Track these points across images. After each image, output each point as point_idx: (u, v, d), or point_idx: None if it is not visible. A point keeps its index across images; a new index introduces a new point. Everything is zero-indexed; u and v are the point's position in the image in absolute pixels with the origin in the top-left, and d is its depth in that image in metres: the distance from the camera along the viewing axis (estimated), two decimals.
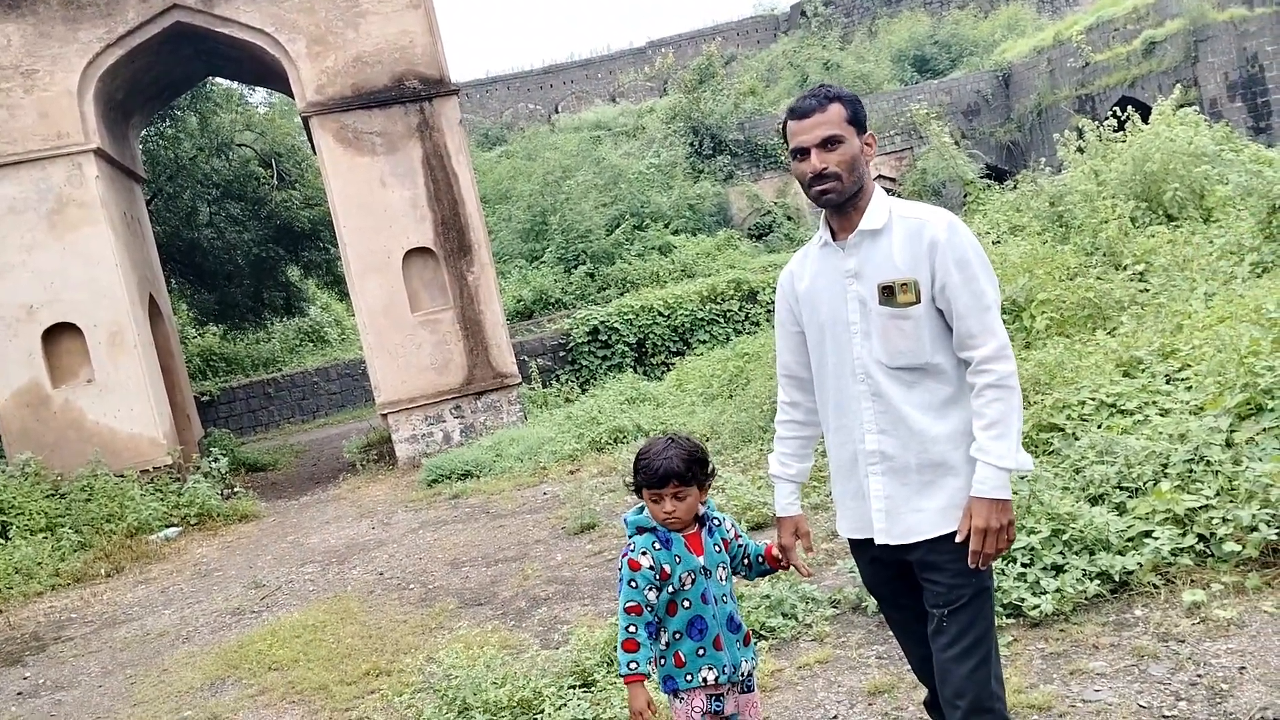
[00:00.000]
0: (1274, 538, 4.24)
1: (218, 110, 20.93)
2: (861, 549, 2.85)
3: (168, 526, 11.52)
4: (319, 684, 5.63)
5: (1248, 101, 20.38)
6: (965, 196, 16.13)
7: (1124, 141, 12.52)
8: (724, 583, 3.02)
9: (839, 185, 2.62)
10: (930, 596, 2.67)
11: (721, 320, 16.84)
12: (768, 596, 5.17)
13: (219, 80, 19.48)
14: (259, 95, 24.17)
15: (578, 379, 16.16)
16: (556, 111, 37.71)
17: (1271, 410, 5.02)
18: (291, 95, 14.59)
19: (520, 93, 39.68)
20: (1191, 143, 11.91)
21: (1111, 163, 12.06)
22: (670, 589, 2.94)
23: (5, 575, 9.66)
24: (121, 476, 12.11)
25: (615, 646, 2.98)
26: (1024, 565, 4.55)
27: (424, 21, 13.69)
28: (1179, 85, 17.08)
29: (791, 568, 3.04)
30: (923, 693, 2.98)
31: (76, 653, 7.40)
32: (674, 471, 2.89)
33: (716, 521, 3.06)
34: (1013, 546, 4.59)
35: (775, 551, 3.05)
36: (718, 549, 3.03)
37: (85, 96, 12.90)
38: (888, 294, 2.60)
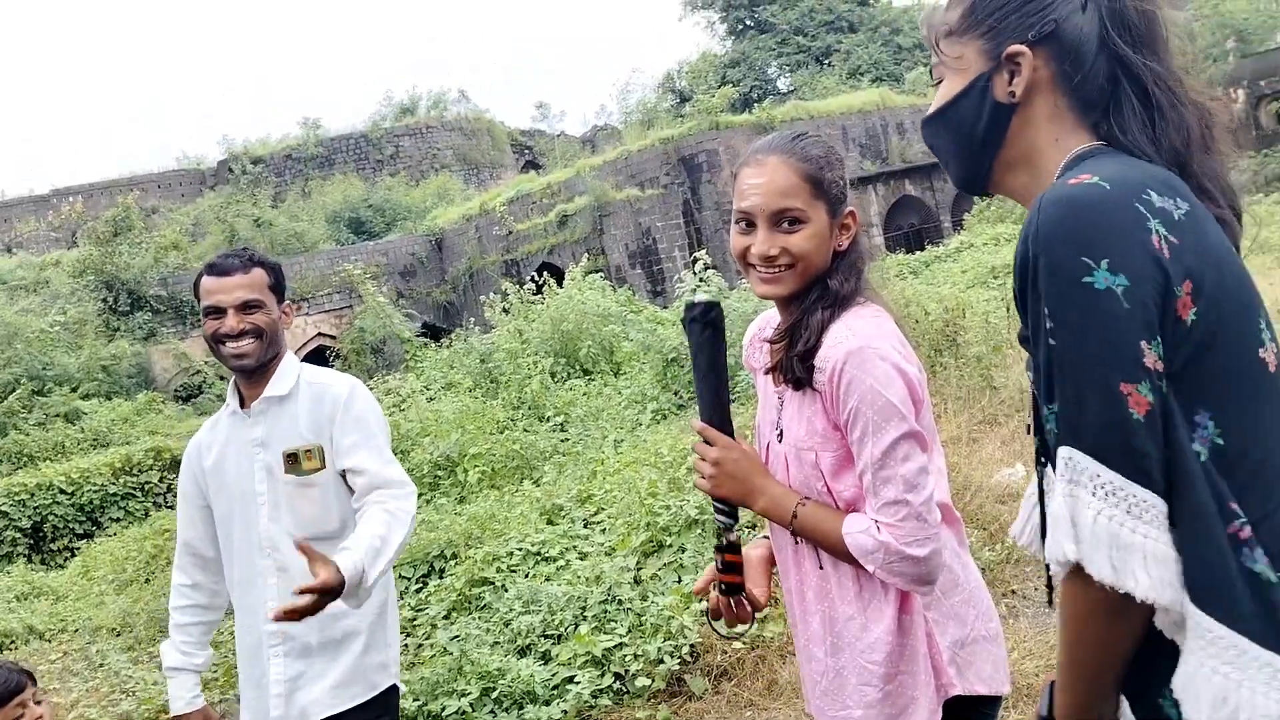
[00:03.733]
0: (677, 668, 4.51)
1: None
2: None
3: None
4: None
5: (646, 269, 23.34)
6: (406, 354, 16.39)
7: (543, 303, 13.59)
8: None
9: (254, 347, 2.53)
10: None
11: (139, 494, 15.13)
12: None
13: None
14: None
15: None
16: None
17: (669, 545, 5.44)
18: None
19: None
20: (599, 305, 13.25)
21: (533, 323, 13.00)
22: None
23: None
24: None
25: None
26: None
27: None
28: (588, 254, 19.11)
29: None
30: None
31: None
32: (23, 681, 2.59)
33: None
34: (445, 712, 4.45)
35: None
36: None
37: None
38: (292, 461, 2.51)
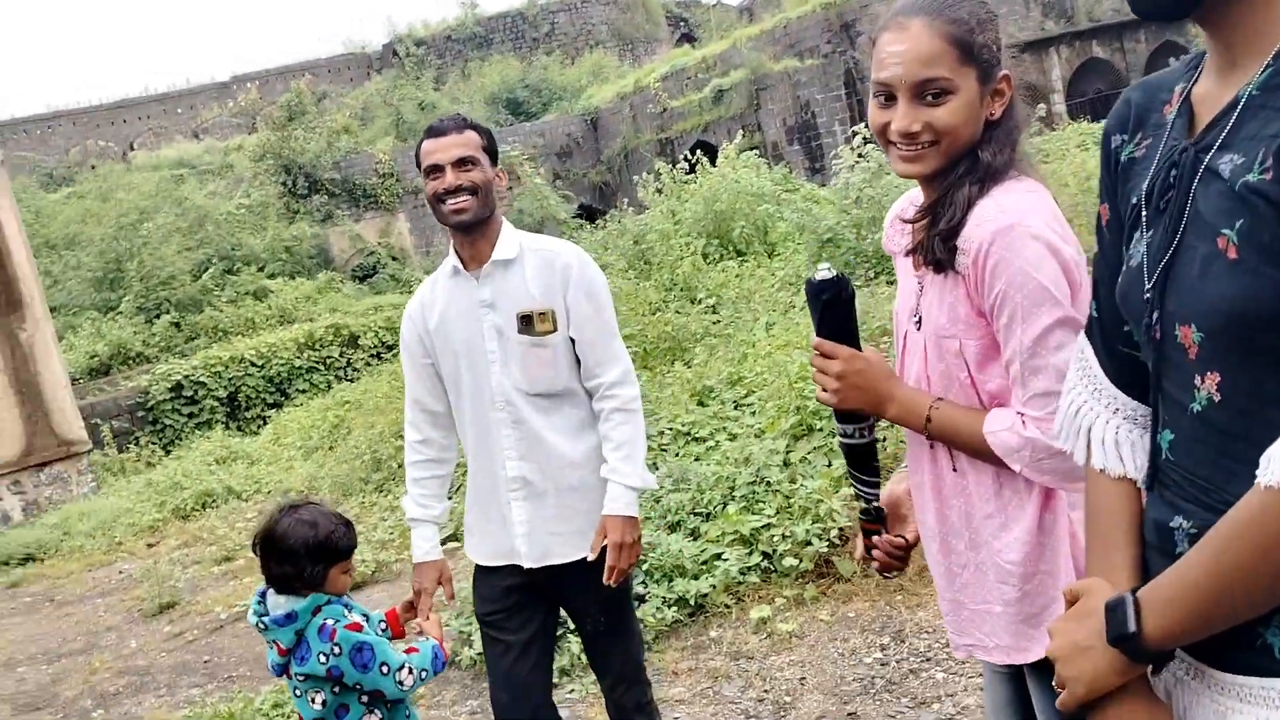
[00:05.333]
0: (825, 550, 4.63)
1: None
2: (492, 575, 2.83)
3: None
4: None
5: (804, 145, 22.72)
6: (562, 236, 16.65)
7: (696, 183, 13.51)
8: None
9: (471, 203, 2.64)
10: (583, 605, 2.81)
11: (322, 368, 16.13)
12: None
13: None
14: None
15: (160, 441, 14.78)
16: (132, 149, 34.73)
17: (819, 430, 5.51)
18: None
19: (89, 129, 36.13)
20: (754, 184, 13.07)
21: (686, 203, 12.95)
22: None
23: None
24: None
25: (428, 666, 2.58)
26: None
27: None
28: (743, 130, 18.74)
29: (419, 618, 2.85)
30: None
31: None
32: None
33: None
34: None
35: (400, 610, 2.84)
36: None
37: None
38: (526, 323, 2.67)
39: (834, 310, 1.81)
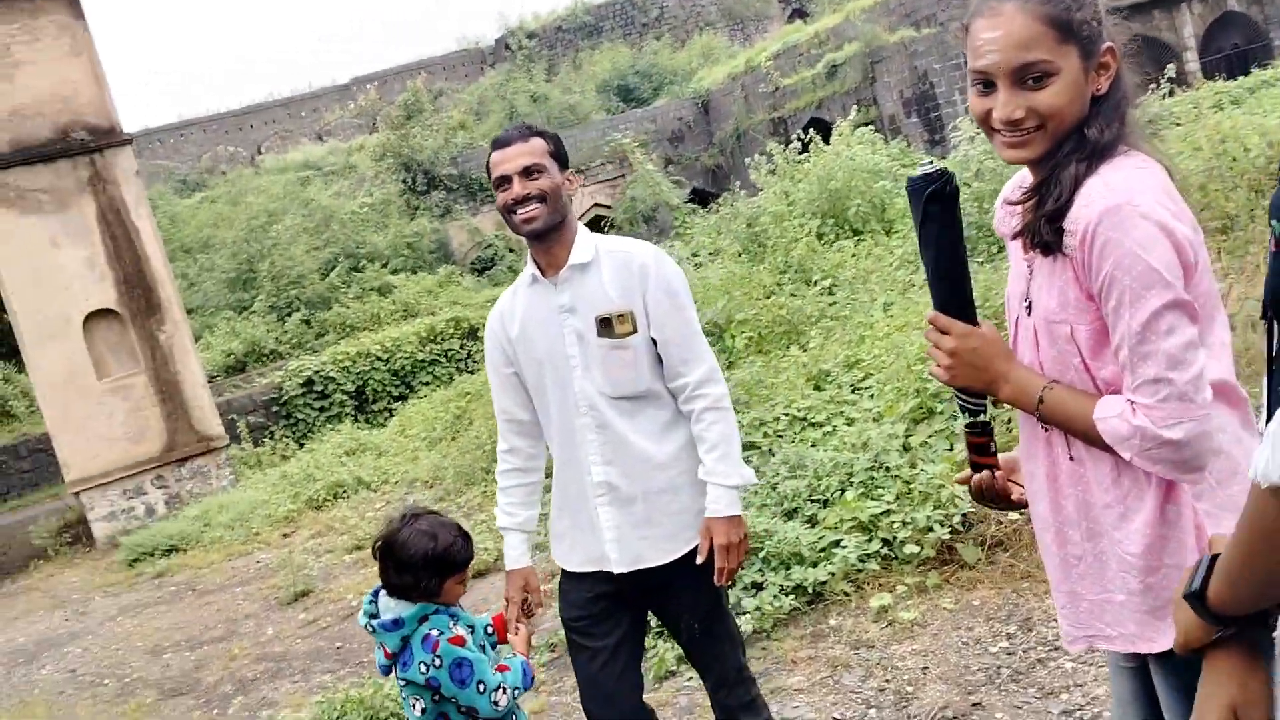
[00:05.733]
0: (948, 537, 4.48)
1: None
2: (580, 581, 2.80)
3: None
4: None
5: (922, 116, 22.08)
6: (675, 221, 16.59)
7: (809, 162, 13.26)
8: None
9: (541, 210, 2.62)
10: (676, 611, 2.78)
11: (443, 360, 16.50)
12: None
13: None
14: None
15: (294, 434, 15.35)
16: (260, 153, 36.12)
17: (940, 413, 5.34)
18: None
19: (218, 135, 37.73)
20: (869, 161, 12.76)
21: (799, 183, 12.73)
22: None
23: None
24: None
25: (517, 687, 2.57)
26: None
27: (88, 69, 12.73)
28: (858, 105, 18.32)
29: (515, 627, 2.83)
30: None
31: None
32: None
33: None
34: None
35: (507, 614, 2.83)
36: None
37: None
38: (605, 326, 2.65)
39: (934, 206, 1.74)
